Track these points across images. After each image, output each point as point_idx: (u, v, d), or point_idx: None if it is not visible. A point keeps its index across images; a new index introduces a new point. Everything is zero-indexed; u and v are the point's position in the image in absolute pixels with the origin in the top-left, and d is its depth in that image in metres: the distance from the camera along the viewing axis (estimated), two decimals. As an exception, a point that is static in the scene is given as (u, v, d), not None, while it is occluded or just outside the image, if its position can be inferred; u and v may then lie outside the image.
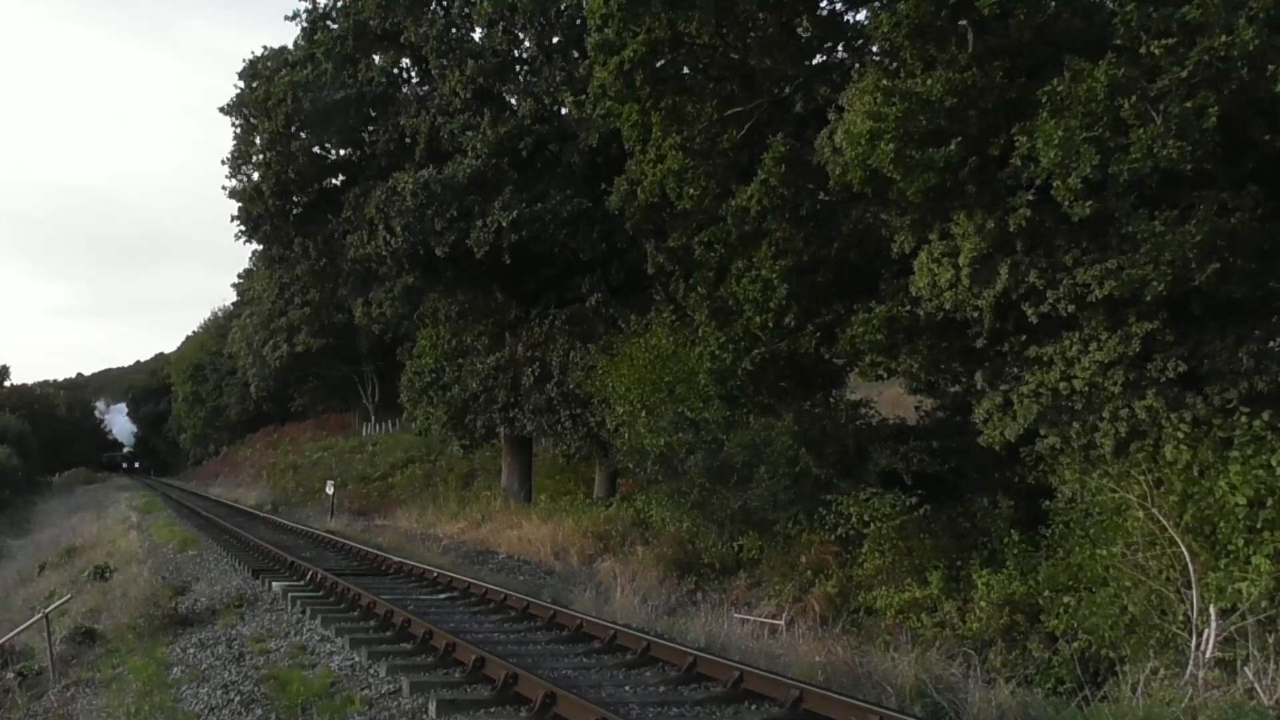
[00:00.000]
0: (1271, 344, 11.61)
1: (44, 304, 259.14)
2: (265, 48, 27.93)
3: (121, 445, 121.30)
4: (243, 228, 28.36)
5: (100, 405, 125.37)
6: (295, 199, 27.41)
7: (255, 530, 27.06)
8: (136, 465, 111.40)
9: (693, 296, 17.66)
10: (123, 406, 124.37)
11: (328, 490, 34.42)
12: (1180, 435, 11.31)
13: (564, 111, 25.02)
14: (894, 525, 14.34)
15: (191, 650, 11.49)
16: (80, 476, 75.76)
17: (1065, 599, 12.29)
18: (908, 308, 13.27)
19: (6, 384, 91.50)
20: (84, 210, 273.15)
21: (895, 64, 13.27)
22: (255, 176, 27.10)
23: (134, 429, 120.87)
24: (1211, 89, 10.59)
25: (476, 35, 26.67)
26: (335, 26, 26.94)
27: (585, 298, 26.41)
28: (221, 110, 27.61)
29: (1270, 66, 10.48)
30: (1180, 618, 10.72)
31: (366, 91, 26.34)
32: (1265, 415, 10.76)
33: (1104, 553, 11.78)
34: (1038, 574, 12.93)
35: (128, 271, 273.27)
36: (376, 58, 27.13)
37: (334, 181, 28.22)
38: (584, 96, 20.79)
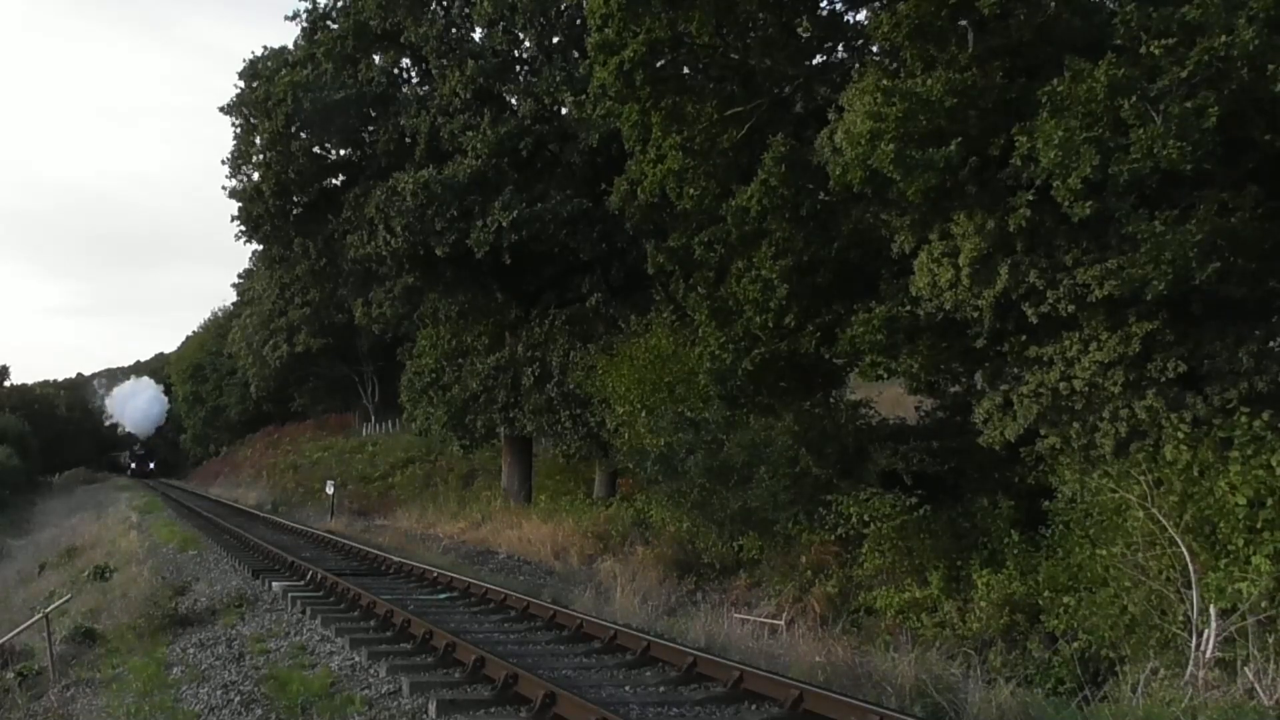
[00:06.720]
0: (1271, 344, 11.62)
1: (44, 304, 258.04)
2: (265, 48, 27.92)
3: (133, 440, 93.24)
4: (243, 228, 28.34)
5: (101, 394, 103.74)
6: (295, 199, 27.37)
7: (255, 530, 27.05)
8: (152, 466, 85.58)
9: (693, 296, 17.66)
10: (134, 386, 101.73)
11: (328, 490, 34.38)
12: (1180, 435, 11.30)
13: (564, 111, 24.99)
14: (894, 525, 14.33)
15: (191, 650, 11.49)
16: (80, 476, 75.60)
17: (1065, 599, 12.28)
18: (908, 308, 13.28)
19: (6, 384, 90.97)
20: (84, 210, 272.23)
21: (895, 64, 13.28)
22: (255, 176, 27.06)
23: (163, 405, 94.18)
24: (1211, 89, 10.60)
25: (476, 35, 26.66)
26: (335, 26, 26.89)
27: (585, 298, 26.41)
28: (221, 110, 27.60)
29: (1270, 66, 10.49)
30: (1180, 618, 10.71)
31: (366, 91, 26.31)
32: (1265, 415, 10.75)
33: (1104, 553, 11.77)
34: (1038, 574, 12.92)
35: (128, 271, 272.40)
36: (376, 58, 27.10)
37: (334, 181, 28.17)
38: (584, 96, 20.82)
